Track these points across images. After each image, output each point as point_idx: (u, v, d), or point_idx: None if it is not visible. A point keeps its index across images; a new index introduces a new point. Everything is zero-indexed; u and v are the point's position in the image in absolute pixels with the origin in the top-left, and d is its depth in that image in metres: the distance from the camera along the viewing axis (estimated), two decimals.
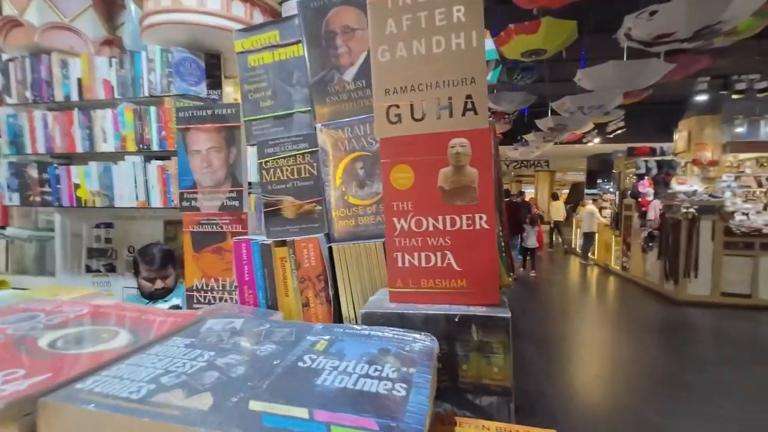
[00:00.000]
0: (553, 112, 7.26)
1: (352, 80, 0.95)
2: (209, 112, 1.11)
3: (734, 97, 6.94)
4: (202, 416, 0.36)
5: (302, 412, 0.37)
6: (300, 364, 0.48)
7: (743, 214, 6.56)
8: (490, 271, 0.67)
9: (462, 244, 0.68)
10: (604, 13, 4.71)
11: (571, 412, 2.97)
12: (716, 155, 8.27)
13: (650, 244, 7.20)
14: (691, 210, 6.25)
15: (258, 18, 2.41)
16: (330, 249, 0.96)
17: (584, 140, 10.37)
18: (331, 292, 0.94)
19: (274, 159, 1.01)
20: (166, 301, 1.99)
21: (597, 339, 5.01)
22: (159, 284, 1.97)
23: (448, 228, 0.69)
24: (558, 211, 11.45)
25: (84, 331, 0.56)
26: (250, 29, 1.06)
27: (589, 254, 10.04)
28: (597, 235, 9.79)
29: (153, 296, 1.97)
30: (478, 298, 0.68)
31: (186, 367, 0.46)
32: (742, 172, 8.14)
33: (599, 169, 13.50)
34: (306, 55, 0.99)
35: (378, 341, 0.56)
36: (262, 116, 1.04)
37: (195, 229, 1.13)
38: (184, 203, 1.13)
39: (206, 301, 1.14)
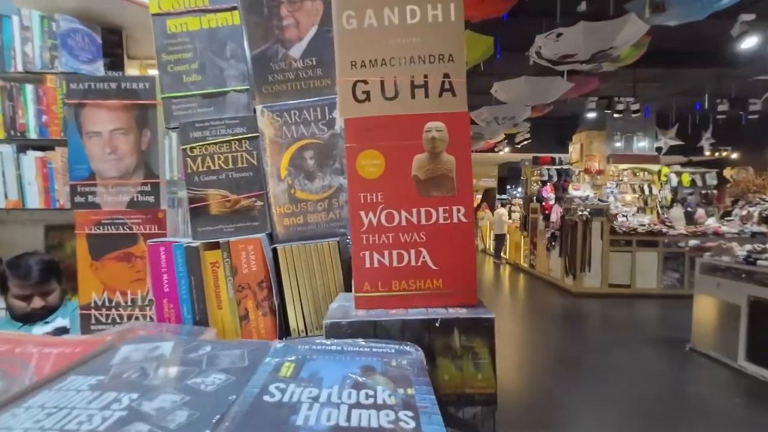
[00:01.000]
0: (471, 122, 7.75)
1: (301, 57, 0.84)
2: (113, 85, 0.90)
3: (615, 116, 8.11)
4: None
5: None
6: (266, 398, 0.36)
7: (623, 216, 7.65)
8: (469, 269, 0.61)
9: (438, 240, 0.61)
10: (518, 33, 5.13)
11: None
12: (602, 165, 9.58)
13: (553, 243, 8.02)
14: (585, 213, 7.11)
15: None
16: (274, 251, 0.82)
17: (496, 149, 11.26)
18: (276, 302, 0.81)
19: (202, 145, 0.85)
20: (47, 323, 1.61)
21: (512, 330, 5.41)
22: (38, 303, 1.59)
23: (423, 222, 0.61)
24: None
25: None
26: None
27: (501, 254, 10.90)
28: (508, 236, 10.67)
29: (29, 318, 1.59)
30: (456, 298, 0.61)
31: (94, 423, 0.31)
32: (622, 180, 9.54)
33: (509, 175, 14.76)
34: (243, 25, 0.84)
35: (356, 357, 0.46)
36: (186, 93, 0.87)
37: (93, 231, 0.89)
38: (78, 199, 0.89)
39: (108, 321, 0.91)
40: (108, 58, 2.14)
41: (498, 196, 14.77)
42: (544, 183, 9.06)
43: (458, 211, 0.61)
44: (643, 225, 7.18)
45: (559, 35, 3.75)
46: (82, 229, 0.89)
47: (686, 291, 6.04)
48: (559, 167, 9.41)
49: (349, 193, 0.62)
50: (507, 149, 11.70)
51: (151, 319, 0.84)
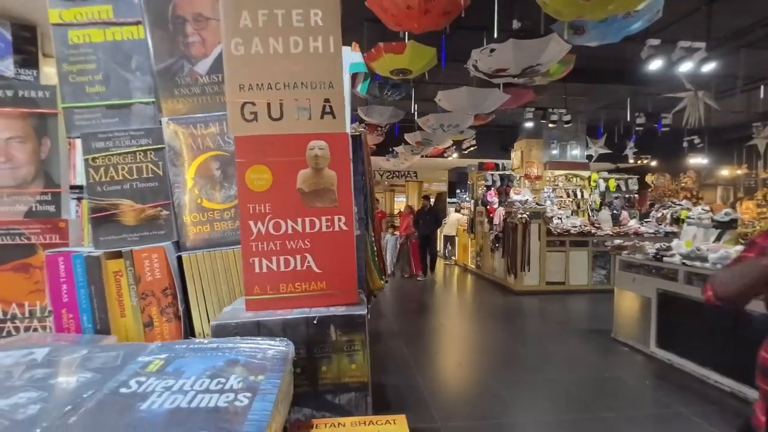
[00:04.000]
0: (420, 128, 7.99)
1: (206, 73, 0.88)
2: (10, 92, 0.88)
3: (550, 125, 8.76)
4: None
5: None
6: (123, 390, 0.40)
7: (558, 218, 8.25)
8: (350, 271, 0.69)
9: (322, 246, 0.68)
10: (460, 45, 5.40)
11: (439, 399, 3.26)
12: (540, 171, 10.25)
13: (496, 244, 8.46)
14: (524, 216, 7.58)
15: None
16: (179, 259, 0.85)
17: (445, 155, 11.66)
18: (181, 308, 0.84)
19: (105, 155, 0.86)
20: None
21: (456, 328, 5.65)
22: None
23: (308, 230, 0.68)
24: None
25: None
26: None
27: (451, 256, 11.30)
28: (457, 238, 11.08)
29: None
30: (338, 298, 0.68)
31: None
32: (557, 185, 10.27)
33: (458, 180, 15.31)
34: (148, 39, 0.87)
35: (227, 353, 0.51)
36: (89, 104, 0.87)
37: None
38: None
39: (4, 334, 0.89)
40: (20, 55, 2.01)
41: (448, 200, 15.29)
42: (488, 188, 9.54)
43: (339, 220, 0.69)
44: (576, 226, 7.78)
45: (492, 50, 4.01)
46: None
47: (612, 286, 6.63)
48: (502, 173, 9.94)
49: (240, 205, 0.67)
50: (455, 155, 12.17)
51: (50, 329, 0.83)
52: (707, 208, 5.12)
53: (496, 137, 11.61)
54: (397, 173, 17.16)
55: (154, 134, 0.87)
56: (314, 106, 0.67)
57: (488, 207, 9.08)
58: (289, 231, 0.68)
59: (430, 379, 3.70)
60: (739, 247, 3.46)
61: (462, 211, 11.80)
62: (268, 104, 0.67)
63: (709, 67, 5.25)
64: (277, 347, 0.54)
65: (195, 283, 0.84)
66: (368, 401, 0.64)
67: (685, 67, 5.10)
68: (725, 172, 12.86)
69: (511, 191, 9.18)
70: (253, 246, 0.67)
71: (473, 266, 9.98)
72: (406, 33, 5.05)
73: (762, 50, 6.36)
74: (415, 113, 7.99)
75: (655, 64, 5.13)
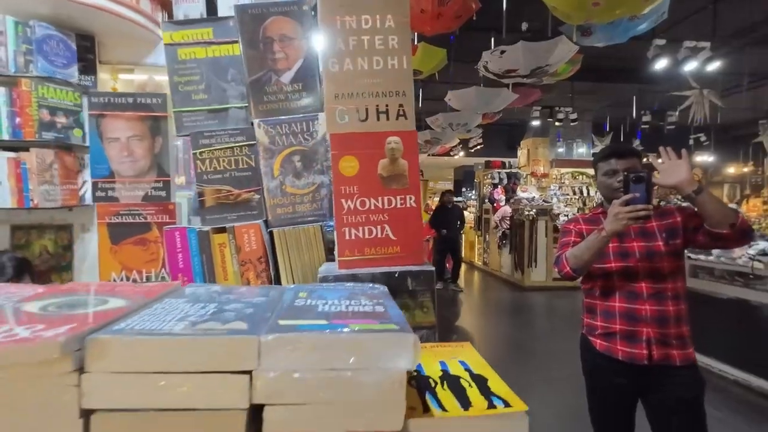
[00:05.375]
0: (429, 127, 8.17)
1: (290, 83, 1.07)
2: (130, 100, 1.09)
3: (557, 124, 8.91)
4: (246, 331, 0.47)
5: (322, 321, 0.51)
6: (296, 303, 0.60)
7: (564, 215, 8.41)
8: (418, 238, 0.88)
9: (396, 219, 0.88)
10: (470, 46, 5.58)
11: None
12: (546, 169, 10.40)
13: (504, 241, 8.63)
14: (531, 213, 7.75)
15: (144, 3, 2.24)
16: (271, 233, 1.05)
17: (452, 153, 11.84)
18: (272, 273, 1.04)
19: (209, 150, 1.06)
20: None
21: (467, 322, 5.83)
22: None
23: (386, 207, 0.88)
24: None
25: (68, 300, 0.57)
26: (180, 23, 1.09)
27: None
28: (463, 235, 11.24)
29: None
30: (410, 259, 0.88)
31: (202, 312, 0.54)
32: (563, 183, 10.42)
33: (464, 179, 15.49)
34: (243, 56, 1.06)
35: (347, 289, 0.71)
36: (194, 108, 1.07)
37: (112, 221, 1.07)
38: (99, 193, 1.07)
39: None
40: (81, 63, 2.22)
41: (455, 199, 15.48)
42: (495, 186, 9.70)
43: (410, 198, 0.88)
44: None
45: (502, 52, 4.19)
46: (102, 219, 1.07)
47: None
48: (508, 171, 10.11)
49: (334, 187, 0.87)
50: (462, 153, 12.34)
51: None
52: (734, 205, 5.27)
53: (502, 136, 11.76)
54: None
55: (247, 133, 1.07)
56: (391, 110, 0.87)
57: (495, 204, 9.25)
58: (372, 207, 0.87)
59: None
60: None
61: (469, 209, 11.98)
62: (357, 109, 0.86)
63: (713, 66, 5.40)
64: (379, 288, 0.73)
65: (284, 253, 1.04)
66: (436, 337, 0.84)
67: (690, 66, 5.25)
68: (732, 169, 12.94)
69: (518, 189, 9.34)
70: (345, 219, 0.87)
71: (480, 263, 10.15)
72: (416, 35, 5.23)
73: (767, 48, 6.48)
74: (424, 113, 8.17)
75: (661, 64, 5.29)
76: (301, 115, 1.07)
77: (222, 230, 1.03)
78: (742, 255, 3.55)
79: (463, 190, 15.44)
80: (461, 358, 0.69)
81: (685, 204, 2.34)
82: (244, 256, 1.02)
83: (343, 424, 0.48)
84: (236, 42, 1.07)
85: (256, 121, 1.07)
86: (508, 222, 8.50)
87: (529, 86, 6.09)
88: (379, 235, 0.88)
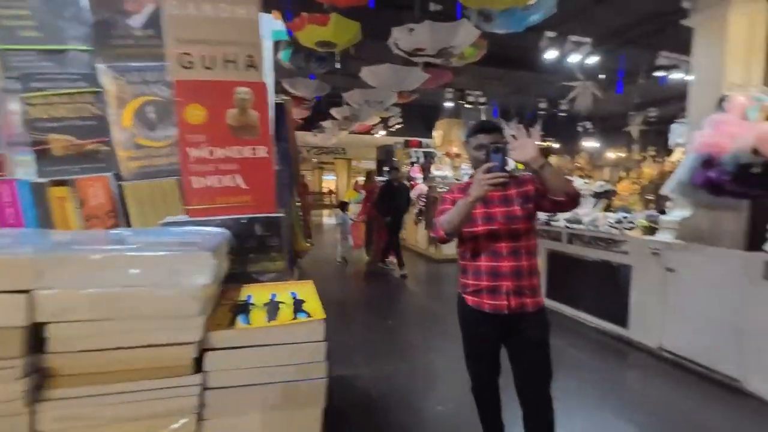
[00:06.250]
0: (347, 104, 8.13)
1: (141, 28, 1.01)
2: None
3: (467, 106, 9.48)
4: (25, 254, 0.47)
5: (117, 246, 0.53)
6: (102, 235, 0.61)
7: None
8: (269, 188, 0.92)
9: (247, 169, 0.90)
10: (384, 22, 5.62)
11: (372, 358, 3.60)
12: (459, 149, 11.05)
13: (420, 218, 9.07)
14: (444, 190, 8.24)
15: None
16: (120, 187, 1.00)
17: (372, 132, 11.98)
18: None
19: (43, 95, 0.96)
20: None
21: (385, 294, 6.09)
22: None
23: (236, 156, 0.89)
24: None
25: None
26: None
27: None
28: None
29: None
30: (261, 208, 0.91)
31: None
32: None
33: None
34: None
35: (180, 231, 0.72)
36: (22, 46, 0.96)
37: None
38: None
39: None
40: None
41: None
42: (413, 164, 10.07)
43: (262, 149, 0.91)
44: None
45: (411, 30, 4.30)
46: None
47: None
48: (425, 150, 10.54)
49: (179, 135, 0.86)
50: (383, 132, 12.54)
51: None
52: (603, 183, 6.10)
53: (419, 116, 12.18)
54: (325, 149, 17.06)
55: (90, 79, 0.99)
56: (240, 60, 0.87)
57: (412, 183, 9.63)
58: (221, 156, 0.88)
59: (363, 342, 4.02)
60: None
61: None
62: (203, 56, 0.85)
63: (593, 60, 6.15)
64: (216, 231, 0.76)
65: (137, 208, 1.00)
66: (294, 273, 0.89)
67: (574, 58, 5.92)
68: (611, 155, 15.03)
69: (433, 168, 9.81)
70: (192, 168, 0.87)
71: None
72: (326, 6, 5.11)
73: (639, 48, 7.54)
74: (340, 88, 8.10)
75: (551, 54, 5.88)
76: (155, 63, 1.02)
77: (62, 183, 0.96)
78: (605, 224, 4.20)
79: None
80: (294, 290, 0.75)
81: None
82: (90, 211, 0.97)
83: (141, 338, 0.50)
84: None
85: (102, 67, 0.99)
86: (424, 199, 8.93)
87: (441, 68, 6.35)
88: (230, 184, 0.89)
